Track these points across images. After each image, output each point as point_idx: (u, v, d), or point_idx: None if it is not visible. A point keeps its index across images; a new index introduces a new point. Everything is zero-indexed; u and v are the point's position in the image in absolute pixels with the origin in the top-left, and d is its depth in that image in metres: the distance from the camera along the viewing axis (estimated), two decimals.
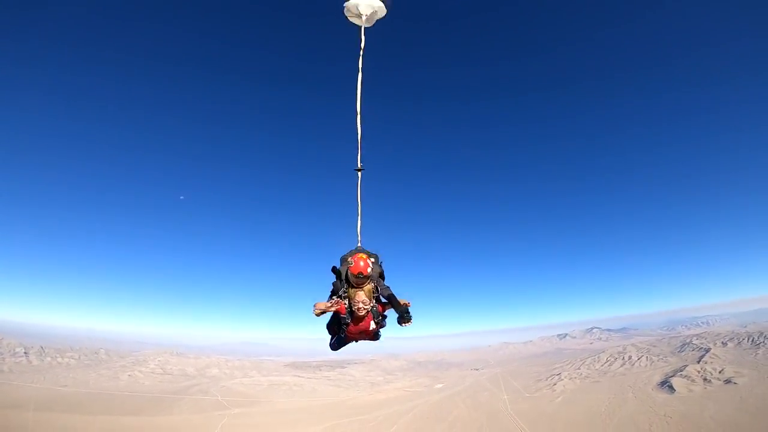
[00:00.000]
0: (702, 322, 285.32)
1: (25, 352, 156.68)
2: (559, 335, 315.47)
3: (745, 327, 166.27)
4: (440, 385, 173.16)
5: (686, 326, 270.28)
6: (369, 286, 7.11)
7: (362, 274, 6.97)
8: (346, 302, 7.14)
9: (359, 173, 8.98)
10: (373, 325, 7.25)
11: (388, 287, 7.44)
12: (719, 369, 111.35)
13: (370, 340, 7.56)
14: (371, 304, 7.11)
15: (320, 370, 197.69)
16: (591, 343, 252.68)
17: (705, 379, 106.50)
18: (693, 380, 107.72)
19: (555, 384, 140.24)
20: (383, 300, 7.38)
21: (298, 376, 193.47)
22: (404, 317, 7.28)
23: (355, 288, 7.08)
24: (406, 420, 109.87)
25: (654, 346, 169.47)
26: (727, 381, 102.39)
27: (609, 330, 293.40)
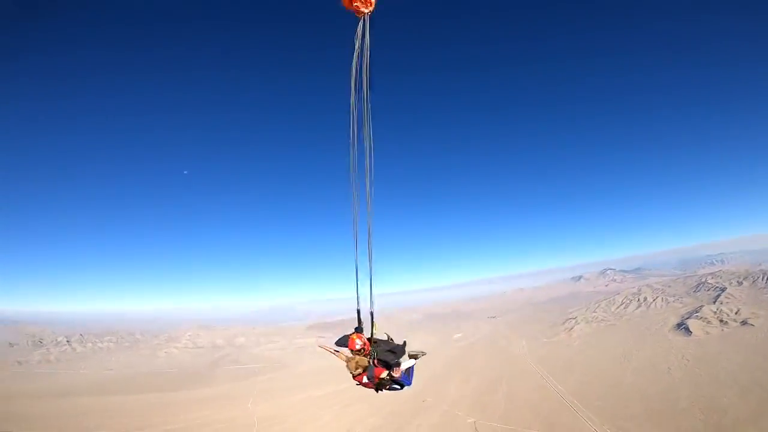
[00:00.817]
0: (716, 261, 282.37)
1: (67, 341, 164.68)
2: (573, 278, 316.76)
3: (760, 265, 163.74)
4: (458, 335, 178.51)
5: (701, 265, 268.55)
6: (359, 360, 9.28)
7: (351, 350, 9.42)
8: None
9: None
10: (365, 380, 9.32)
11: (393, 357, 9.56)
12: (735, 310, 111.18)
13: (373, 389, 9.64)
14: (357, 372, 9.29)
15: (341, 329, 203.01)
16: (606, 285, 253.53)
17: (721, 321, 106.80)
18: (709, 322, 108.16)
19: (572, 328, 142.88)
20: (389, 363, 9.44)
21: (321, 337, 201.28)
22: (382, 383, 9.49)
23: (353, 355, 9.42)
24: (429, 371, 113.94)
25: (669, 287, 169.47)
26: (744, 322, 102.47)
27: (623, 271, 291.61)
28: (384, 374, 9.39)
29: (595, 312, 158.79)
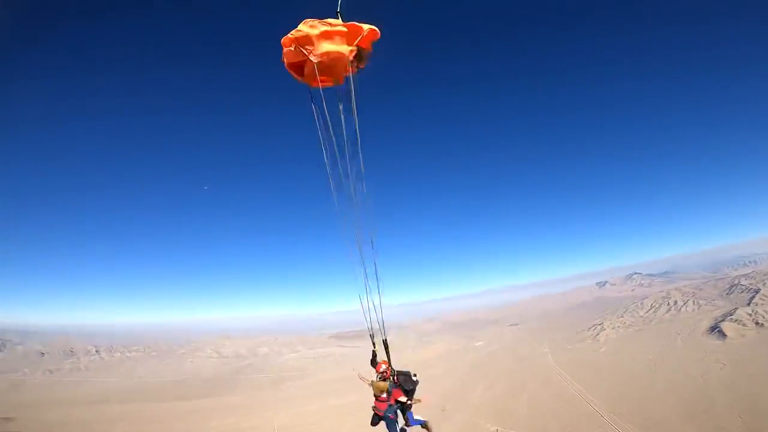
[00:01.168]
0: (749, 261, 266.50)
1: (96, 351, 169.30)
2: (597, 283, 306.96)
3: None
4: (479, 343, 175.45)
5: (732, 266, 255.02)
6: (380, 384, 10.64)
7: (377, 372, 10.94)
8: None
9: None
10: (384, 396, 10.70)
11: (411, 385, 10.85)
12: None
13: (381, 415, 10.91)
14: (379, 393, 10.66)
15: (362, 339, 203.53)
16: (632, 290, 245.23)
17: (757, 323, 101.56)
18: (744, 324, 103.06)
19: (597, 334, 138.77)
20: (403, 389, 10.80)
21: (343, 347, 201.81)
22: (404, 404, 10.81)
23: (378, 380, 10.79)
24: (449, 380, 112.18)
25: (700, 290, 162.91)
26: None
27: (651, 275, 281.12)
28: (402, 398, 10.76)
29: (622, 317, 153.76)
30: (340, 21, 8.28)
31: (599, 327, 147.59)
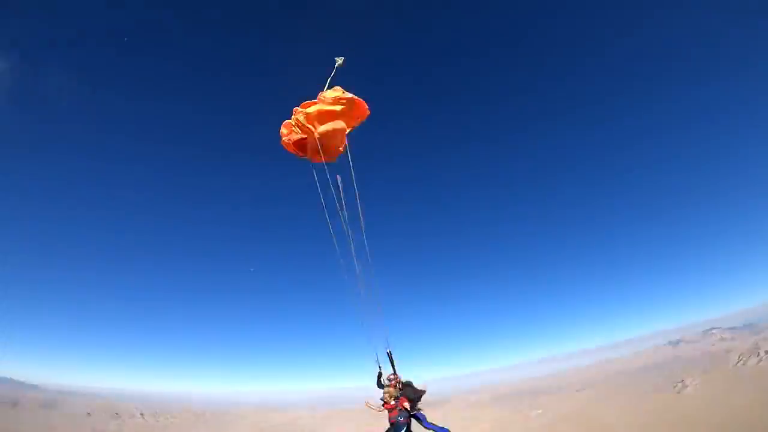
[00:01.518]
0: None
1: (142, 414, 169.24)
2: (670, 342, 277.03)
3: None
4: (538, 412, 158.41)
5: None
6: (392, 390, 11.51)
7: (387, 379, 11.80)
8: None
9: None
10: (392, 402, 11.40)
11: (413, 394, 11.61)
12: None
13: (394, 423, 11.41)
14: (388, 401, 11.46)
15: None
16: (712, 345, 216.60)
17: None
18: None
19: (679, 392, 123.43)
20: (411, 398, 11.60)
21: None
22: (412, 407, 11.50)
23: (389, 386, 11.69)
24: None
25: None
26: None
27: (732, 328, 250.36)
28: (406, 404, 11.40)
29: (707, 372, 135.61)
30: (336, 95, 8.86)
31: (680, 384, 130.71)
